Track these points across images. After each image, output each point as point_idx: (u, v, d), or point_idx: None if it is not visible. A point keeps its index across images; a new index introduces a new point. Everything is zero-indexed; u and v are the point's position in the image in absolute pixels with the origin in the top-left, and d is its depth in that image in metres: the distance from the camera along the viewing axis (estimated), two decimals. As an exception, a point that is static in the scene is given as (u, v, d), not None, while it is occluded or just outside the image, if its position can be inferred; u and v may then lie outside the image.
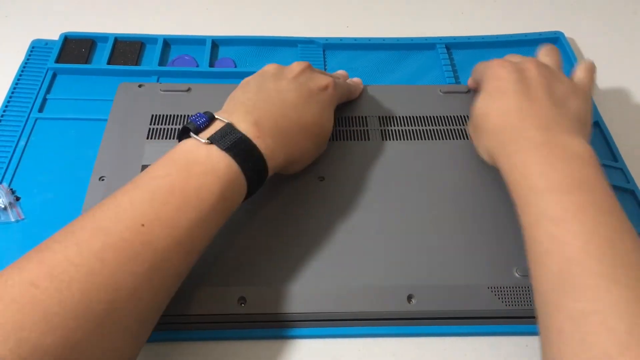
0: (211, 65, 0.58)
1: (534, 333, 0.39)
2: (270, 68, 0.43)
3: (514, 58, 0.45)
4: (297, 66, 0.43)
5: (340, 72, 0.52)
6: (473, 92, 0.52)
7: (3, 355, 0.25)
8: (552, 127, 0.38)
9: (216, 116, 0.37)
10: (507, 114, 0.40)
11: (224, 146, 0.35)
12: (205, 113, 0.37)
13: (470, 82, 0.51)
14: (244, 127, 0.36)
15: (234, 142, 0.35)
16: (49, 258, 0.29)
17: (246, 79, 0.43)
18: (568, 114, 0.40)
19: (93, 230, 0.30)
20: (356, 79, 0.52)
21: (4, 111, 0.52)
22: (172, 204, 0.32)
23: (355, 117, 0.49)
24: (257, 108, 0.38)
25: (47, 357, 0.26)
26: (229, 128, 0.36)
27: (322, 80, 0.43)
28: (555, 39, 0.62)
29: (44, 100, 0.53)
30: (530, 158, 0.37)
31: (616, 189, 0.48)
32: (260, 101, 0.39)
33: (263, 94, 0.40)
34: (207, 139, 0.35)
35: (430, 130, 0.49)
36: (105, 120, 0.48)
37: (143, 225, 0.31)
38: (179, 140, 0.36)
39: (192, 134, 0.36)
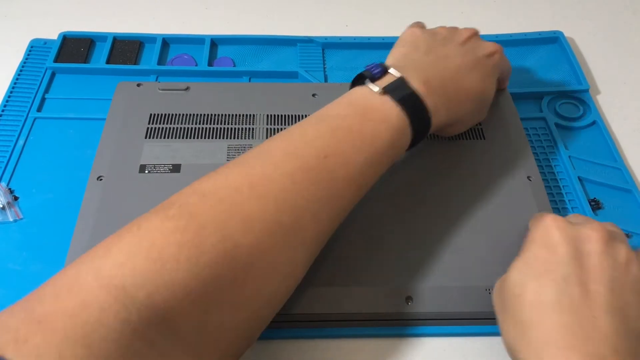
0: (210, 64, 0.58)
1: (532, 334, 0.39)
2: (442, 30, 0.45)
3: (577, 218, 0.36)
4: (465, 32, 0.45)
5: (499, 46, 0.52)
6: None
7: (209, 249, 0.29)
8: (606, 356, 0.28)
9: (389, 70, 0.39)
10: (545, 307, 0.30)
11: (397, 98, 0.37)
12: (380, 64, 0.40)
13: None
14: (415, 84, 0.38)
15: (405, 96, 0.37)
16: (250, 172, 0.33)
17: (415, 34, 0.44)
18: (635, 331, 0.29)
19: (286, 153, 0.34)
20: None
21: (3, 110, 0.52)
22: (350, 143, 0.35)
23: (354, 117, 0.49)
24: (426, 69, 0.40)
25: (244, 254, 0.30)
26: (401, 82, 0.38)
27: (489, 47, 0.45)
28: (555, 39, 0.62)
29: (43, 99, 0.53)
30: None
31: (616, 188, 0.48)
32: (429, 63, 0.41)
33: (432, 57, 0.42)
34: (383, 88, 0.37)
35: (429, 130, 0.49)
36: (104, 119, 0.48)
37: (326, 157, 0.34)
38: (353, 85, 0.40)
39: (368, 81, 0.38)
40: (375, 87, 0.38)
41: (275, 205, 0.32)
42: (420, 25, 0.46)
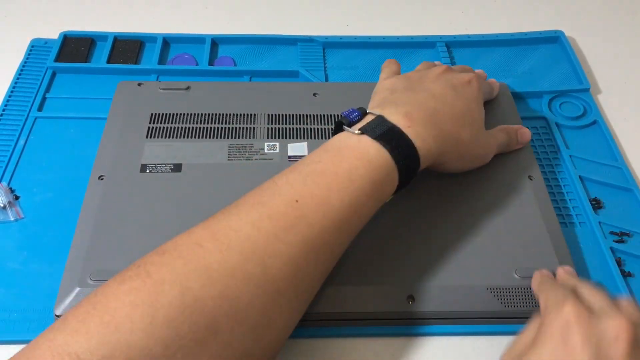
0: (211, 63, 0.58)
1: (533, 333, 0.39)
2: (412, 73, 0.44)
3: (596, 298, 0.32)
4: (437, 69, 0.44)
5: (479, 71, 0.51)
6: None
7: (165, 305, 0.28)
8: None
9: (368, 111, 0.39)
10: None
11: (375, 135, 0.36)
12: (358, 109, 0.39)
13: (533, 285, 0.38)
14: (395, 118, 0.37)
15: (384, 132, 0.36)
16: (214, 224, 0.32)
17: (390, 81, 0.43)
18: None
19: (253, 203, 0.33)
20: (492, 80, 0.52)
21: (4, 110, 0.52)
22: (324, 185, 0.34)
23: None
24: (407, 103, 0.39)
25: (206, 307, 0.28)
26: (380, 119, 0.37)
27: (464, 75, 0.44)
28: (555, 38, 0.62)
29: (44, 99, 0.53)
30: None
31: (616, 188, 0.48)
32: (409, 97, 0.40)
33: (411, 92, 0.41)
34: (359, 129, 0.37)
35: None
36: (105, 119, 0.48)
37: (297, 200, 0.33)
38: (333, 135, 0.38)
39: (345, 127, 0.38)
40: (353, 130, 0.37)
41: (240, 255, 0.30)
42: (394, 70, 0.46)
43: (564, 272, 0.39)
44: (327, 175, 0.34)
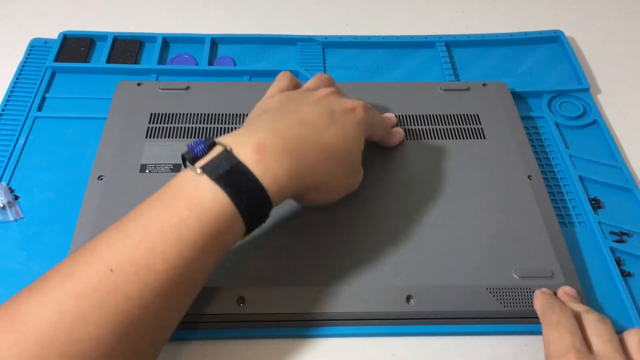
0: (210, 63, 0.58)
1: (533, 333, 0.39)
2: (295, 92, 0.41)
3: (602, 343, 0.33)
4: (323, 91, 0.40)
5: (388, 114, 0.49)
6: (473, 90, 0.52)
7: None
8: None
9: (217, 141, 0.34)
10: None
11: (215, 176, 0.32)
12: (206, 139, 0.34)
13: (536, 305, 0.38)
14: (244, 151, 0.33)
15: (226, 171, 0.32)
16: (14, 307, 0.28)
17: (267, 101, 0.40)
18: None
19: (63, 276, 0.29)
20: (398, 128, 0.48)
21: (3, 110, 0.52)
22: (147, 245, 0.29)
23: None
24: (266, 128, 0.35)
25: None
26: (226, 155, 0.33)
27: (348, 102, 0.40)
28: (555, 38, 0.62)
29: (43, 99, 0.53)
30: None
31: (616, 188, 0.48)
32: (274, 121, 0.36)
33: (279, 113, 0.37)
34: (201, 167, 0.32)
35: (430, 129, 0.49)
36: (104, 119, 0.48)
37: (112, 270, 0.29)
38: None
39: (188, 163, 0.33)
40: (195, 168, 0.32)
41: (36, 346, 0.27)
42: (282, 87, 0.42)
43: (564, 294, 0.38)
44: (151, 233, 0.30)
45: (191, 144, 0.34)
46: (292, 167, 0.34)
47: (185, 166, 0.33)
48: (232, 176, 0.32)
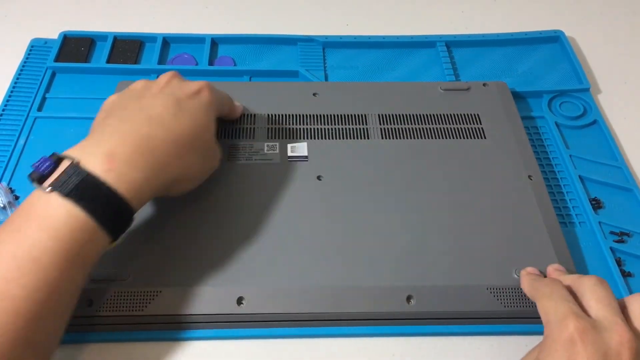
0: (210, 63, 0.58)
1: (533, 333, 0.39)
2: (136, 85, 0.40)
3: (600, 308, 0.32)
4: (163, 78, 0.39)
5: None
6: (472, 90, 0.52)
7: None
8: None
9: (64, 155, 0.33)
10: None
11: (65, 191, 0.31)
12: (51, 156, 0.33)
13: (526, 290, 0.37)
14: (93, 162, 0.32)
15: (77, 185, 0.31)
16: None
17: (109, 101, 0.39)
18: None
19: None
20: (236, 102, 0.48)
21: (3, 110, 0.52)
22: (1, 273, 0.29)
23: (355, 115, 0.49)
24: (114, 134, 0.34)
25: None
26: (74, 169, 0.32)
27: (192, 86, 0.39)
28: (555, 38, 0.62)
29: (43, 99, 0.53)
30: None
31: (616, 188, 0.48)
32: (120, 124, 0.35)
33: (125, 115, 0.36)
34: (50, 185, 0.31)
35: (430, 128, 0.48)
36: (105, 119, 0.48)
37: None
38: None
39: (35, 184, 0.32)
40: (43, 188, 0.31)
41: None
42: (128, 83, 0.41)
43: (554, 271, 0.38)
44: (4, 259, 0.29)
45: (36, 163, 0.32)
46: (147, 169, 0.34)
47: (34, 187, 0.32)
48: (84, 189, 0.31)
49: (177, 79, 0.40)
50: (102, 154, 0.33)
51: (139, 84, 0.39)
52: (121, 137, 0.34)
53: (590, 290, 0.33)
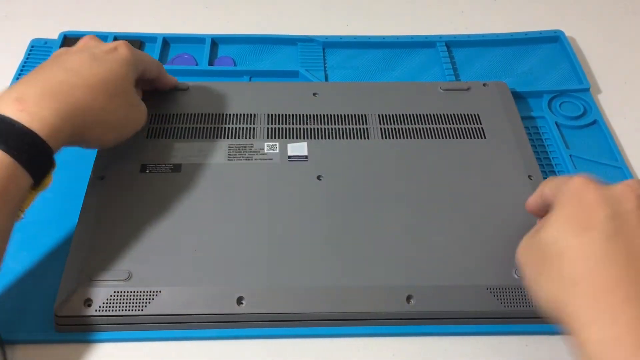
0: (210, 63, 0.58)
1: (533, 333, 0.39)
2: (62, 49, 0.42)
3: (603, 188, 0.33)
4: (81, 41, 0.43)
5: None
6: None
7: None
8: None
9: None
10: (593, 262, 0.30)
11: None
12: None
13: (532, 200, 0.39)
14: (4, 106, 0.34)
15: None
16: None
17: (56, 53, 0.42)
18: None
19: None
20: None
21: (3, 110, 0.52)
22: None
23: (355, 115, 0.49)
24: (26, 81, 0.37)
25: None
26: None
27: (109, 44, 0.42)
28: (555, 38, 0.62)
29: (43, 99, 0.53)
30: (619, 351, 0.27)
31: (616, 188, 0.48)
32: (35, 74, 0.38)
33: (40, 70, 0.38)
34: None
35: (430, 128, 0.48)
36: (105, 119, 0.48)
37: None
38: None
39: None
40: None
41: None
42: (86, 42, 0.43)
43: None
44: None
45: None
46: (60, 108, 0.35)
47: None
48: None
49: (96, 40, 0.43)
50: (12, 98, 0.35)
51: (59, 50, 0.42)
52: (32, 83, 0.36)
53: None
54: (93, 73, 0.39)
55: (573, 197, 0.32)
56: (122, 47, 0.42)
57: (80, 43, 0.42)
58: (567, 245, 0.31)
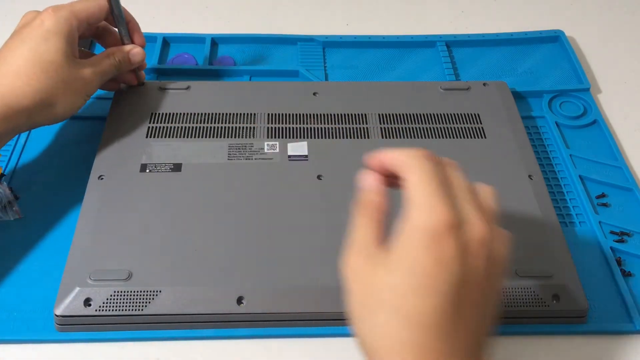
0: (210, 63, 0.58)
1: (533, 333, 0.39)
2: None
3: (460, 185, 0.32)
4: (21, 19, 0.44)
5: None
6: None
7: None
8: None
9: None
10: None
11: None
12: None
13: (375, 163, 0.34)
14: None
15: None
16: None
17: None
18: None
19: None
20: (133, 48, 0.49)
21: (3, 110, 0.52)
22: None
23: (355, 115, 0.49)
24: None
25: None
26: None
27: (38, 17, 0.42)
28: (555, 38, 0.62)
29: (43, 98, 0.53)
30: None
31: (616, 188, 0.48)
32: None
33: None
34: None
35: (430, 128, 0.48)
36: (104, 119, 0.48)
37: None
38: None
39: None
40: None
41: None
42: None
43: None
44: None
45: None
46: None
47: None
48: None
49: (30, 15, 0.43)
50: None
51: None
52: None
53: (456, 179, 0.32)
54: (18, 56, 0.40)
55: (429, 244, 0.28)
56: (47, 18, 0.42)
57: (20, 22, 0.43)
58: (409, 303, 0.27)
